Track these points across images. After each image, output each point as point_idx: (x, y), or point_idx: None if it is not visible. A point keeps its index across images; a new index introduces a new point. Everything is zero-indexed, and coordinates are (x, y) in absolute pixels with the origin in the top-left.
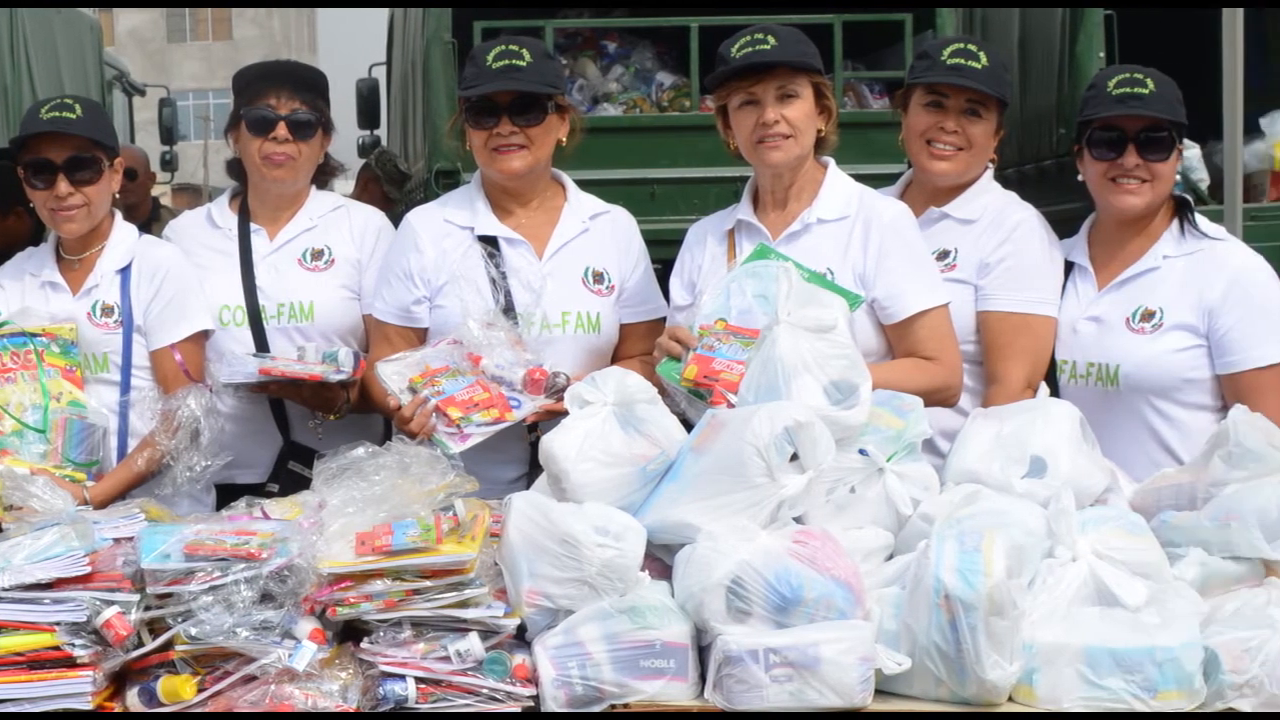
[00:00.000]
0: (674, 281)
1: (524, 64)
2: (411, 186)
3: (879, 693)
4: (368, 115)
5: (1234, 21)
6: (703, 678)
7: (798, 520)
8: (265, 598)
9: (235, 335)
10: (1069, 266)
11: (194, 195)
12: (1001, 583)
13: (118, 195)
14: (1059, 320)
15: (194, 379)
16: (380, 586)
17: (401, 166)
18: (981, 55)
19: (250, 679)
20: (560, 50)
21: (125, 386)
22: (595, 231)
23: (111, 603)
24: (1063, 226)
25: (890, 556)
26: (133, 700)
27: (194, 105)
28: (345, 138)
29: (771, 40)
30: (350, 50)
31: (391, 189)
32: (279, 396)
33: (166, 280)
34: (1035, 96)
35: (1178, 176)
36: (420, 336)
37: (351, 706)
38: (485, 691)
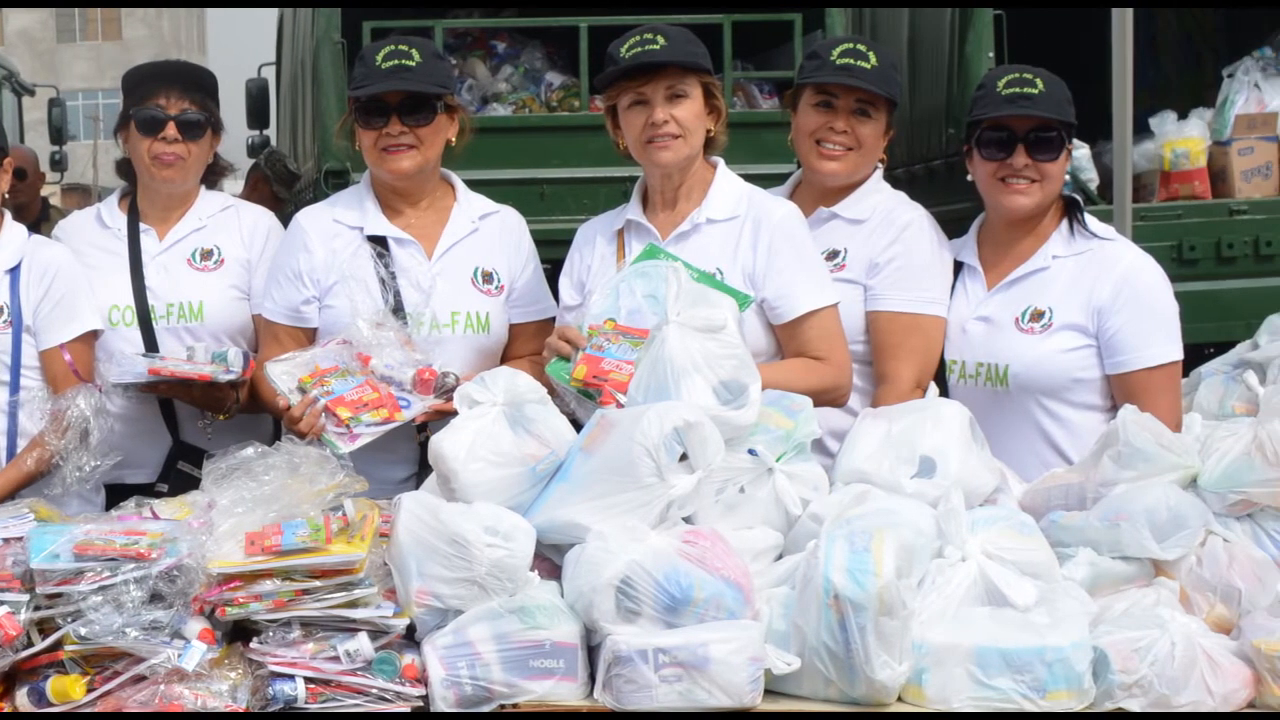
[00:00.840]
0: (563, 281)
1: (413, 64)
2: (301, 186)
3: (768, 693)
4: (257, 115)
5: (1124, 21)
6: (592, 678)
7: (687, 520)
8: (155, 598)
9: (125, 335)
10: (958, 266)
11: (83, 195)
12: (891, 583)
13: (6, 195)
14: (948, 320)
15: (83, 379)
16: (269, 586)
17: (291, 166)
18: (871, 55)
19: (140, 679)
20: (450, 50)
21: (14, 387)
22: (484, 232)
23: (1, 603)
24: (952, 226)
25: (780, 556)
26: (22, 700)
27: (83, 105)
28: (234, 138)
29: (661, 40)
30: (239, 50)
31: (281, 189)
32: (168, 396)
33: (56, 280)
34: (925, 96)
35: (1067, 176)
36: (310, 336)
37: (241, 706)
38: (375, 691)
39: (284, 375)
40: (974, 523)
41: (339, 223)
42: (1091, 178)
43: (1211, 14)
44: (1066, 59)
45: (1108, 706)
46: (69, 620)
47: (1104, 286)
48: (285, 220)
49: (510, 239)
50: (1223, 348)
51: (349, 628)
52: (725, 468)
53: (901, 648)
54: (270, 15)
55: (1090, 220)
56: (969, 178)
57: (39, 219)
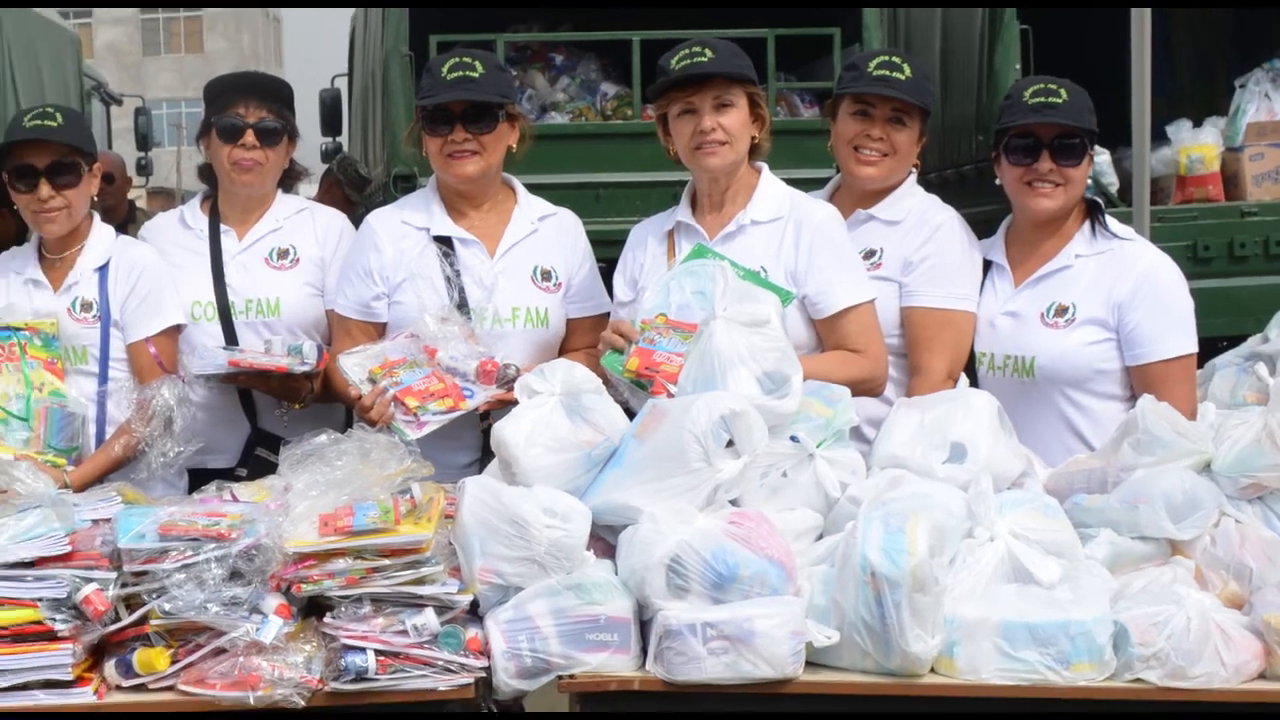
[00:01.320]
0: (617, 279)
1: (477, 75)
2: (371, 190)
3: (809, 664)
4: (330, 123)
5: (1142, 21)
6: (644, 650)
7: (733, 503)
8: (234, 575)
9: (206, 329)
10: (987, 265)
11: (168, 198)
12: (924, 561)
13: (96, 198)
14: (978, 315)
15: (167, 370)
16: (342, 565)
17: (362, 171)
18: (905, 67)
19: (220, 651)
20: (511, 62)
21: (103, 377)
22: (543, 232)
23: (90, 580)
24: (981, 227)
25: (820, 536)
26: (110, 672)
27: (168, 114)
28: (309, 144)
29: (709, 53)
30: (314, 62)
31: (352, 192)
32: (247, 387)
33: (142, 278)
34: (956, 105)
35: (1089, 180)
36: (380, 330)
37: (315, 678)
38: (440, 663)
39: (355, 367)
40: (1002, 505)
41: (407, 224)
42: (1112, 181)
43: (1224, 27)
44: (1088, 71)
45: (1127, 677)
46: (154, 596)
47: (1124, 284)
48: (356, 221)
49: (567, 239)
50: (1235, 341)
51: (416, 603)
52: (769, 453)
53: (934, 622)
54: (343, 28)
55: (1111, 221)
56: (997, 182)
57: (126, 220)
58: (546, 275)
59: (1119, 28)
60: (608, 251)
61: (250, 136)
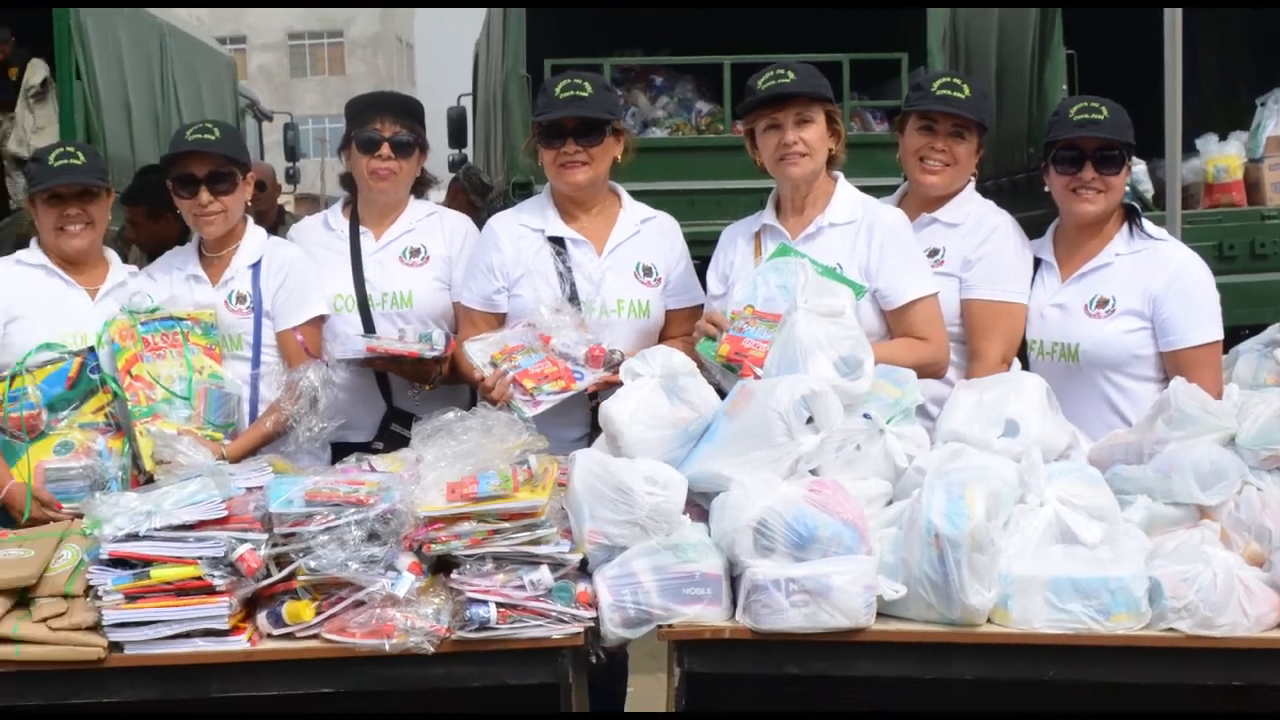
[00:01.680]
0: (710, 275)
1: (586, 94)
2: (493, 196)
3: (879, 615)
4: (456, 136)
5: (1174, 22)
6: (734, 603)
7: (813, 472)
8: (372, 536)
9: (347, 319)
10: (1037, 262)
11: (313, 203)
12: (982, 524)
13: (249, 203)
14: (1029, 307)
15: (313, 355)
16: (467, 527)
17: (484, 179)
18: (965, 87)
19: (359, 604)
20: (616, 83)
21: (256, 362)
22: (645, 233)
23: (245, 541)
24: (1032, 229)
25: (889, 502)
26: (262, 622)
27: (313, 129)
28: (438, 155)
29: (791, 75)
30: (442, 83)
31: (476, 198)
32: (383, 370)
33: (290, 273)
34: (1009, 121)
35: (1127, 187)
36: (500, 320)
37: (443, 627)
38: (554, 614)
39: (479, 352)
40: (1050, 475)
41: (524, 226)
42: (1147, 188)
43: (1245, 50)
44: (1125, 90)
45: (1161, 627)
46: (301, 555)
47: (1158, 279)
48: (480, 224)
49: (666, 239)
50: (1256, 330)
51: (533, 561)
52: (844, 429)
53: (990, 578)
54: (467, 54)
55: (1146, 224)
56: (1046, 189)
57: (276, 223)
58: (648, 271)
59: (1153, 52)
60: (701, 250)
61: (386, 149)
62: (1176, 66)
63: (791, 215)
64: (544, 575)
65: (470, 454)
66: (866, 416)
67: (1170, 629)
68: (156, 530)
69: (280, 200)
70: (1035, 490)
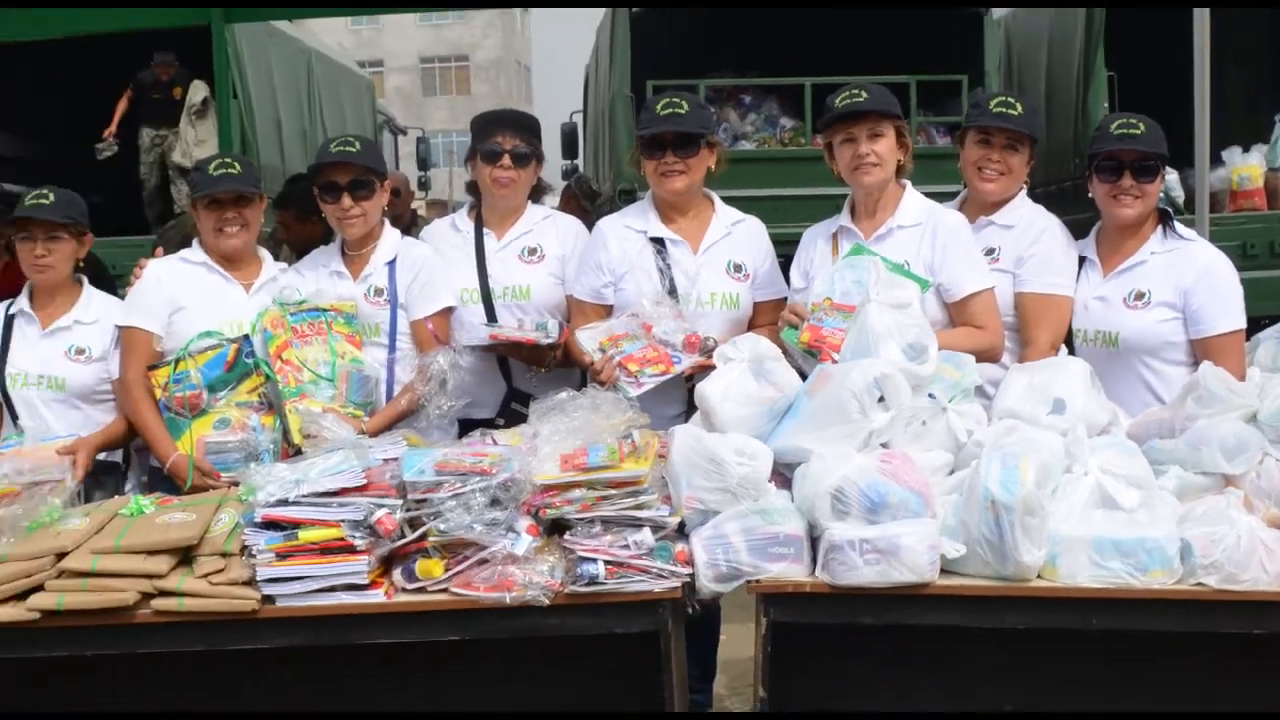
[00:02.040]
0: (793, 271)
1: (684, 111)
2: (601, 201)
3: (943, 571)
4: (569, 149)
5: (1203, 22)
6: (814, 560)
7: (884, 445)
8: (494, 502)
9: (472, 310)
10: (1082, 260)
11: (442, 208)
12: (1033, 491)
13: (386, 208)
14: (1074, 299)
15: (442, 342)
16: (578, 494)
17: (594, 186)
18: (1018, 105)
19: (483, 561)
20: (710, 102)
21: (392, 348)
22: (735, 234)
23: (382, 506)
24: (1077, 230)
25: (951, 472)
26: (397, 577)
27: (442, 142)
28: (552, 165)
29: (864, 94)
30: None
31: (586, 203)
32: (504, 355)
33: (422, 270)
34: (1057, 135)
35: (1161, 193)
36: (608, 311)
37: (557, 581)
38: (655, 570)
39: (589, 339)
40: (1093, 447)
41: (629, 227)
42: (1179, 195)
43: (1267, 71)
44: (1160, 108)
45: (1191, 582)
46: (431, 518)
47: (1189, 274)
48: (589, 226)
49: (754, 239)
50: (1275, 320)
51: (636, 524)
52: (911, 407)
53: (1040, 538)
54: (578, 75)
55: (1178, 226)
56: (1089, 195)
57: (409, 225)
58: (738, 268)
59: (1184, 75)
60: (785, 249)
61: (507, 160)
62: (1205, 65)
63: (865, 218)
64: (646, 536)
65: (581, 429)
66: (931, 396)
67: (1199, 584)
68: (304, 496)
69: (413, 205)
70: (1080, 461)
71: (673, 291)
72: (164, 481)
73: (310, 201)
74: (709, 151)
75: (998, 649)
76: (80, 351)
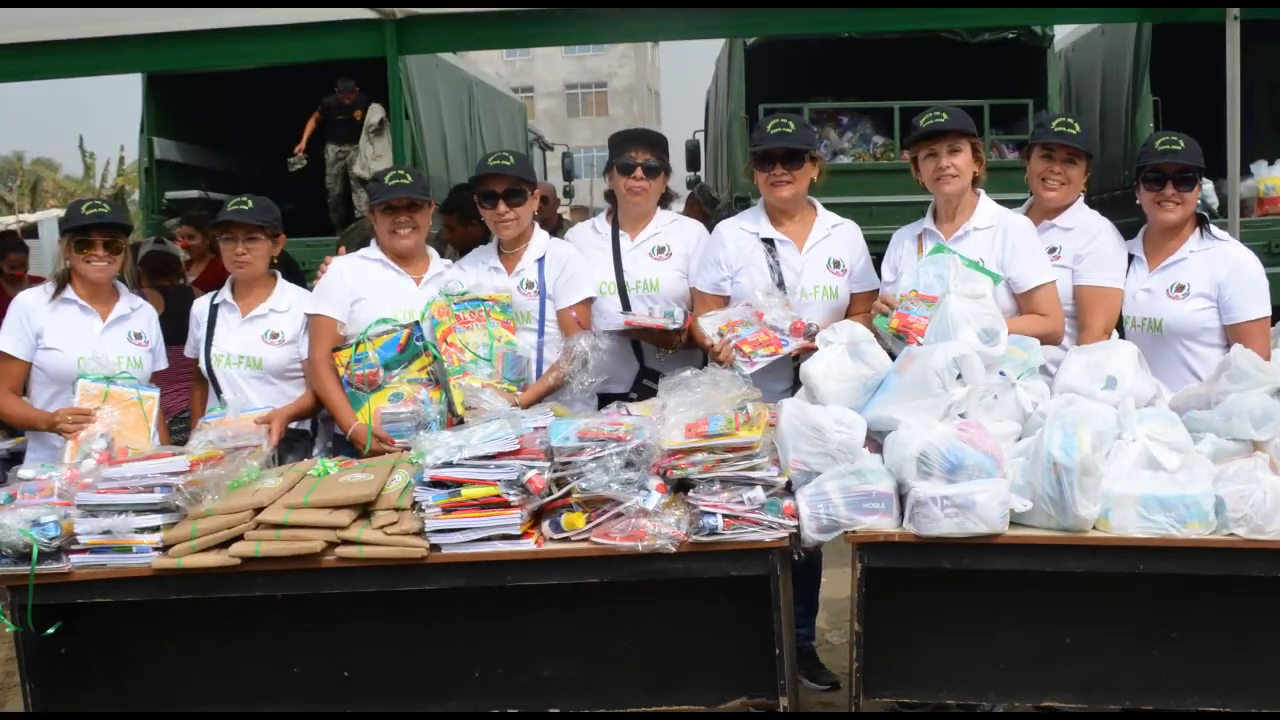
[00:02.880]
0: (884, 267)
1: (790, 130)
2: (720, 207)
3: (1012, 524)
4: (692, 162)
5: (1234, 32)
6: (902, 514)
7: (961, 416)
8: (628, 464)
9: (610, 300)
10: (1130, 257)
11: (584, 213)
12: (1089, 455)
13: (536, 213)
14: (1124, 291)
15: (584, 328)
16: (700, 457)
17: (713, 194)
18: (1076, 125)
19: (619, 515)
20: (813, 122)
21: (540, 332)
22: (835, 236)
23: (533, 467)
24: (1127, 232)
25: (1019, 439)
26: (545, 529)
27: (584, 157)
28: (678, 176)
29: (945, 115)
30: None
31: (707, 209)
32: (637, 339)
33: (567, 265)
34: (1110, 150)
35: (1199, 200)
36: (725, 301)
37: (682, 532)
38: (765, 523)
39: (709, 325)
40: (1140, 418)
41: (744, 230)
42: (1214, 201)
43: None
44: (1199, 127)
45: (1224, 533)
46: (575, 478)
47: (1222, 269)
48: (710, 229)
49: (850, 240)
50: None
51: (749, 483)
52: (985, 383)
53: (1095, 495)
54: (700, 99)
55: (1213, 228)
56: (1137, 202)
57: (556, 228)
58: (837, 264)
59: (1219, 99)
60: (877, 248)
61: (639, 172)
62: (1235, 67)
63: (945, 222)
64: (758, 494)
65: (702, 402)
66: (1001, 374)
67: (1231, 534)
68: (466, 459)
69: (559, 210)
70: (1129, 429)
71: (781, 284)
72: (346, 447)
73: (471, 207)
74: (812, 164)
75: (1058, 590)
76: (275, 335)
